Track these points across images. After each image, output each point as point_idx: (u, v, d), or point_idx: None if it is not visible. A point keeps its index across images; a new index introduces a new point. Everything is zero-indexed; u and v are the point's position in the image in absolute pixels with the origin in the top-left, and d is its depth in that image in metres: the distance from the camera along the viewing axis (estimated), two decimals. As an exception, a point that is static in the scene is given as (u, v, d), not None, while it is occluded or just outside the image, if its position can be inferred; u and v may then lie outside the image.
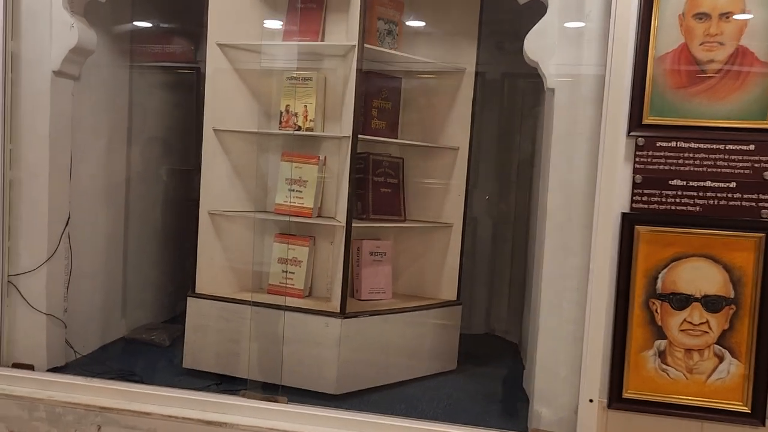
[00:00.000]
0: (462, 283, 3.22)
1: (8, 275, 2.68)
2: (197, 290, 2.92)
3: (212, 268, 2.94)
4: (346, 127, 2.77)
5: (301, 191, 2.84)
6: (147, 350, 3.22)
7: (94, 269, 3.13)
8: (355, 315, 2.79)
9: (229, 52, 2.88)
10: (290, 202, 2.84)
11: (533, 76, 3.61)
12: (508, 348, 3.69)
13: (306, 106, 2.81)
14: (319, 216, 2.91)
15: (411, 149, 3.16)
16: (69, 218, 2.84)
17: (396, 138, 3.07)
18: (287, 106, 2.85)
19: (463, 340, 3.28)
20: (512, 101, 3.88)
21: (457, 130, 3.15)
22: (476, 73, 3.10)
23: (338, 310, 2.75)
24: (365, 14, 2.66)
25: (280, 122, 2.90)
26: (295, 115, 2.82)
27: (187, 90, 3.80)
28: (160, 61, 3.61)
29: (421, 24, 3.11)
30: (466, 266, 3.30)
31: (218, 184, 2.94)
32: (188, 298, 2.89)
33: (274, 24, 2.97)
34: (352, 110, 2.68)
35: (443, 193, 3.19)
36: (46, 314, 2.75)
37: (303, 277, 2.91)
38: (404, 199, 3.11)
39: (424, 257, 3.21)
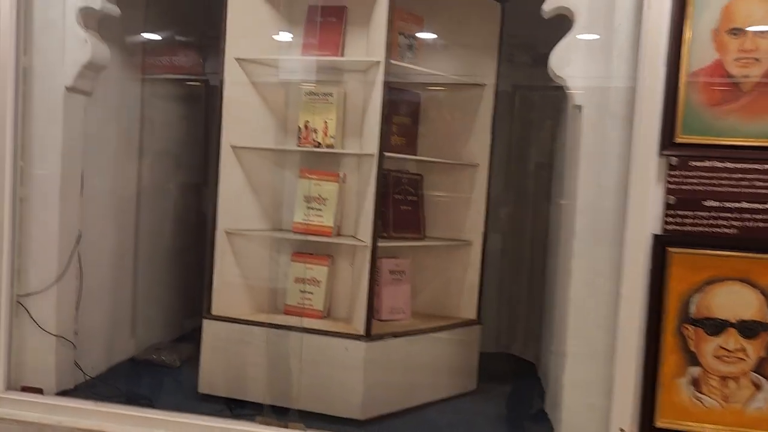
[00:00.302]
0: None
1: (17, 295, 2.61)
2: (213, 312, 2.82)
3: (228, 289, 2.86)
4: (368, 144, 2.71)
5: (320, 209, 2.77)
6: (157, 371, 3.14)
7: (103, 287, 3.06)
8: (380, 337, 2.70)
9: (247, 67, 2.81)
10: (309, 220, 2.77)
11: (545, 89, 3.62)
12: (526, 367, 3.60)
13: (326, 122, 2.74)
14: (338, 235, 2.83)
15: (429, 165, 3.09)
16: (80, 236, 2.77)
17: (415, 154, 3.00)
18: (306, 122, 2.78)
19: (480, 359, 3.21)
20: (524, 114, 3.80)
21: (477, 146, 3.08)
22: (496, 88, 3.03)
23: (363, 332, 2.66)
24: (391, 29, 2.60)
25: (299, 138, 2.83)
26: (315, 131, 2.75)
27: (198, 103, 3.75)
28: (171, 74, 3.56)
29: (440, 38, 3.04)
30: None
31: (235, 202, 2.87)
32: (204, 320, 2.80)
33: (286, 36, 2.92)
34: (378, 127, 2.61)
35: (462, 209, 3.11)
36: (55, 336, 2.67)
37: (322, 298, 2.82)
38: (423, 217, 3.03)
39: (443, 275, 3.13)
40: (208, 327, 2.80)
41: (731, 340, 2.09)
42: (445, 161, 3.03)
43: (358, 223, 2.80)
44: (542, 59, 3.10)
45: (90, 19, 2.63)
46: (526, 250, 3.79)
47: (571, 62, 2.25)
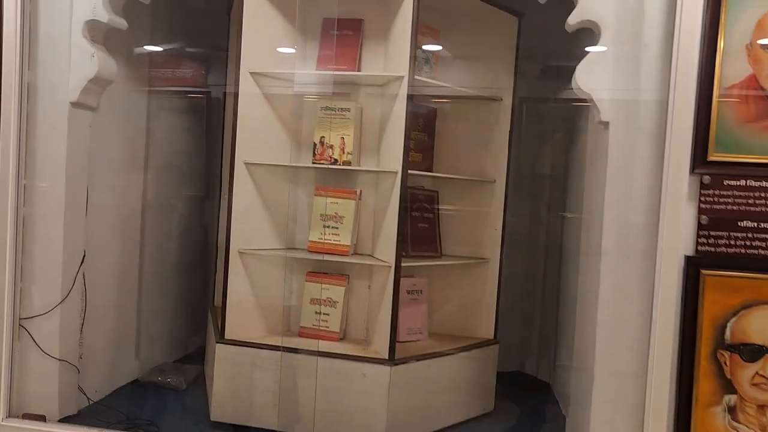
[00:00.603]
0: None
1: (19, 318, 2.51)
2: (227, 336, 2.71)
3: (241, 311, 2.75)
4: (387, 160, 2.63)
5: (337, 228, 2.68)
6: (163, 394, 3.03)
7: (106, 306, 2.96)
8: (404, 361, 2.61)
9: (261, 81, 2.72)
10: (325, 239, 2.68)
11: (551, 101, 3.55)
12: (541, 387, 3.50)
13: (343, 138, 2.65)
14: (354, 254, 2.74)
15: (444, 181, 3.01)
16: (84, 256, 2.67)
17: (431, 170, 2.92)
18: (322, 137, 2.69)
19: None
20: (531, 127, 3.72)
21: (493, 161, 3.00)
22: (513, 103, 2.96)
23: (386, 356, 2.57)
24: (415, 42, 2.51)
25: (314, 154, 2.74)
26: (331, 147, 2.67)
27: (201, 116, 3.67)
28: (175, 86, 3.49)
29: (457, 51, 2.96)
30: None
31: (248, 221, 2.76)
32: (217, 345, 2.69)
33: (290, 50, 2.84)
34: (402, 143, 2.53)
35: (479, 226, 3.03)
36: (59, 360, 2.57)
37: (338, 319, 2.72)
38: (440, 234, 2.94)
39: (459, 293, 3.05)
40: (221, 352, 2.69)
41: (769, 366, 2.01)
42: (461, 177, 2.95)
43: (375, 242, 2.72)
44: (549, 71, 3.06)
45: (96, 32, 2.54)
46: (538, 267, 3.70)
47: (597, 77, 2.17)
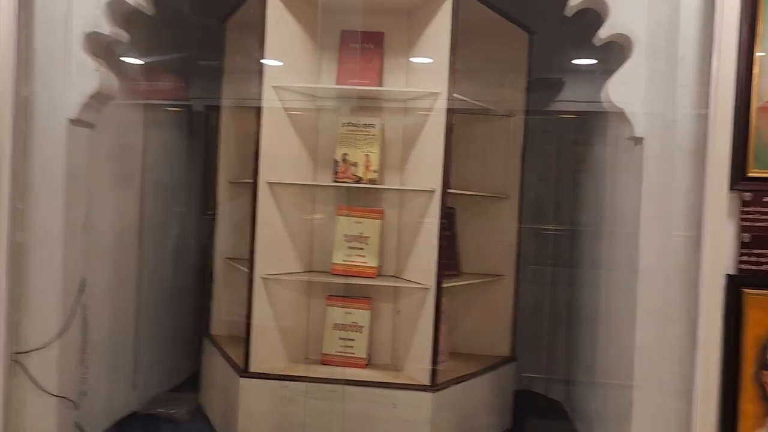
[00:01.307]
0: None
1: (14, 354, 2.32)
2: (251, 368, 2.53)
3: (264, 341, 2.59)
4: (416, 178, 2.58)
5: (362, 249, 2.56)
6: (165, 427, 2.86)
7: (103, 336, 2.79)
8: (444, 386, 2.52)
9: (283, 95, 2.59)
10: (351, 260, 2.56)
11: (538, 113, 3.52)
12: (552, 407, 3.43)
13: (368, 155, 2.55)
14: (379, 275, 2.64)
15: (458, 198, 2.92)
16: (84, 284, 2.50)
17: (449, 187, 2.83)
18: (344, 154, 2.57)
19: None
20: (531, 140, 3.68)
21: (506, 178, 2.93)
22: (526, 118, 2.90)
23: (426, 382, 2.47)
24: (454, 57, 2.44)
25: (336, 172, 2.61)
26: (355, 164, 2.55)
27: (195, 130, 3.53)
28: (171, 100, 3.35)
29: (467, 66, 2.89)
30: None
31: (272, 244, 2.62)
32: (241, 379, 2.53)
33: (273, 62, 2.75)
34: (441, 160, 2.46)
35: (493, 242, 2.97)
36: (57, 396, 2.38)
37: (364, 345, 2.60)
38: (459, 252, 2.85)
39: (476, 311, 2.97)
40: (247, 387, 2.52)
41: (813, 387, 1.96)
42: (477, 194, 2.87)
43: (403, 263, 2.63)
44: (538, 84, 3.02)
45: (97, 45, 2.39)
46: (546, 284, 3.64)
47: (630, 92, 2.12)
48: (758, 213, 1.98)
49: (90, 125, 2.47)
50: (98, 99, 2.40)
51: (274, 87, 2.53)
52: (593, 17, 2.24)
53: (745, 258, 1.99)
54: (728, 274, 1.98)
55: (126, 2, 2.36)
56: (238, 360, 2.64)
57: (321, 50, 2.68)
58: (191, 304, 3.52)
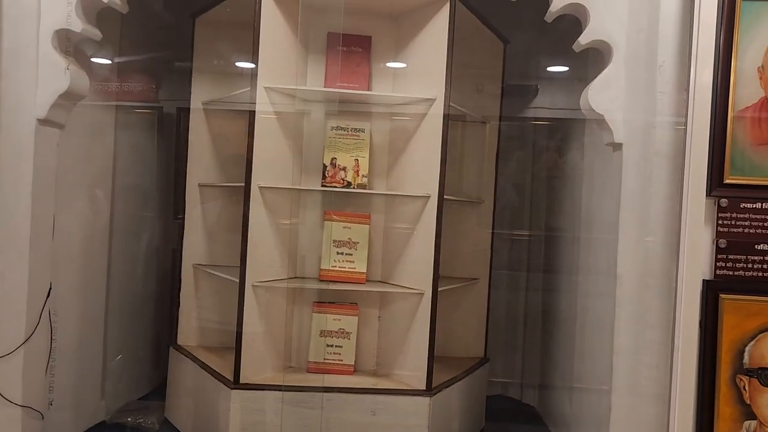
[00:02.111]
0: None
1: (-24, 362, 2.23)
2: (242, 380, 2.45)
3: (252, 352, 2.51)
4: (405, 184, 2.59)
5: (351, 254, 2.54)
6: (135, 438, 2.78)
7: (71, 344, 2.70)
8: (438, 390, 2.52)
9: (274, 97, 2.54)
10: (340, 266, 2.54)
11: (514, 120, 3.55)
12: (526, 412, 3.43)
13: (357, 159, 2.53)
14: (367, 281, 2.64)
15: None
16: (50, 289, 2.41)
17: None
18: (333, 159, 2.54)
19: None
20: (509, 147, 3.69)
21: (481, 183, 2.94)
22: (500, 124, 2.90)
23: (423, 387, 2.48)
24: (451, 63, 2.47)
25: (324, 177, 2.58)
26: (344, 169, 2.52)
27: (155, 130, 3.45)
28: (142, 101, 3.26)
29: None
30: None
31: (263, 250, 2.56)
32: (232, 391, 2.43)
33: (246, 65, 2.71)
34: (438, 166, 2.46)
35: (468, 246, 2.98)
36: (22, 407, 2.29)
37: (352, 351, 2.58)
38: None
39: (451, 314, 2.96)
40: (238, 399, 2.42)
41: (788, 390, 1.99)
42: (455, 198, 2.86)
43: (392, 268, 2.63)
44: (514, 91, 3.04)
45: (68, 42, 2.31)
46: (521, 288, 3.65)
47: (609, 99, 2.13)
48: (734, 219, 2.01)
49: (60, 125, 2.39)
50: (68, 99, 2.32)
51: (265, 88, 2.47)
52: (572, 24, 2.26)
53: (721, 263, 2.01)
54: (705, 280, 2.01)
55: (99, 0, 2.29)
56: (222, 371, 2.57)
57: (306, 52, 2.64)
58: (161, 310, 3.43)
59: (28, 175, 2.26)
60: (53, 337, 2.45)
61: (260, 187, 2.48)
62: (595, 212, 2.54)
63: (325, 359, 2.59)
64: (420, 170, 2.54)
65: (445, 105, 2.46)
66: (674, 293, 2.01)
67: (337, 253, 2.55)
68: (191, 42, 3.01)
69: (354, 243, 2.55)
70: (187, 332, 3.02)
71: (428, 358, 2.48)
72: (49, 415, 2.50)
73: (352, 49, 2.53)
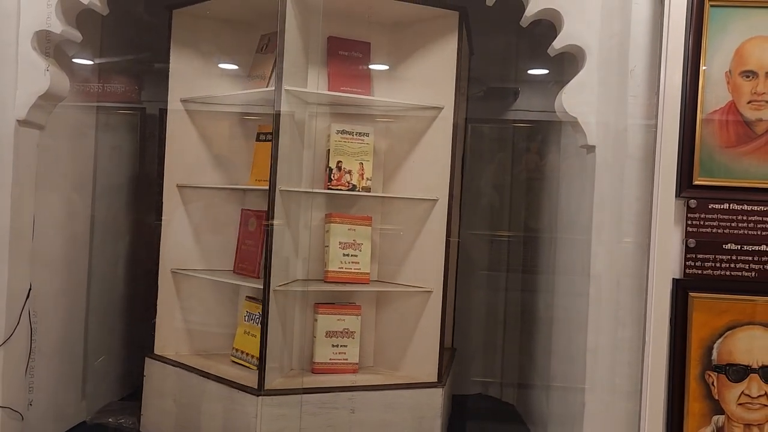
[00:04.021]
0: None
1: (-45, 362, 2.23)
2: (266, 387, 2.44)
3: (272, 356, 2.52)
4: (406, 187, 2.71)
5: (356, 255, 2.64)
6: (116, 438, 2.79)
7: (52, 343, 2.69)
8: (445, 381, 2.68)
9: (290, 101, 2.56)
10: (346, 267, 2.63)
11: (495, 122, 3.59)
12: (506, 410, 3.48)
13: (362, 163, 2.62)
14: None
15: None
16: (30, 290, 2.41)
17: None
18: (339, 162, 2.61)
19: (456, 402, 3.17)
20: (478, 147, 3.73)
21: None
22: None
23: (436, 379, 2.65)
24: (459, 70, 2.63)
25: (330, 180, 2.64)
26: (349, 172, 2.60)
27: (146, 133, 3.45)
28: (122, 102, 3.27)
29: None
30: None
31: (280, 254, 2.57)
32: (258, 398, 2.40)
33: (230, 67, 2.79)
34: (449, 170, 2.63)
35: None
36: (1, 407, 2.30)
37: (356, 350, 2.69)
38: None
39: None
40: (263, 406, 2.40)
41: (754, 386, 2.05)
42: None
43: (397, 268, 2.76)
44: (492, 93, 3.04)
45: (48, 44, 2.32)
46: (501, 289, 3.69)
47: (583, 102, 2.18)
48: (703, 219, 2.06)
49: (39, 126, 2.40)
50: (48, 99, 2.33)
51: (286, 90, 2.46)
52: (549, 28, 2.31)
53: (690, 263, 2.06)
54: (675, 279, 2.06)
55: (79, 1, 2.30)
56: (241, 380, 2.54)
57: (306, 55, 2.67)
58: (142, 311, 3.43)
59: (8, 175, 2.27)
60: (33, 338, 2.46)
61: (281, 191, 2.50)
62: (572, 213, 2.59)
63: (330, 359, 2.66)
64: (427, 174, 2.67)
65: (455, 112, 2.63)
66: (645, 292, 2.06)
67: (344, 255, 2.63)
68: (168, 36, 2.91)
69: (359, 244, 2.64)
70: (167, 341, 2.91)
71: (439, 351, 2.62)
72: (29, 415, 2.50)
73: (352, 54, 2.61)
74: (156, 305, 2.90)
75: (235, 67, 2.90)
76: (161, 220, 2.97)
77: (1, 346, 2.28)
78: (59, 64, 2.40)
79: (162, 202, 2.92)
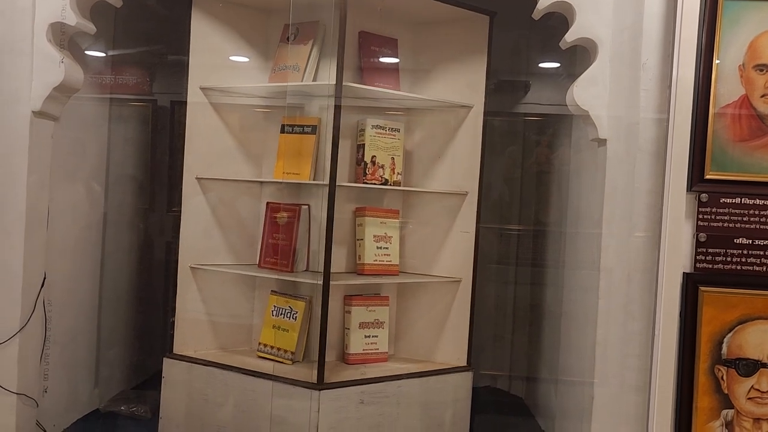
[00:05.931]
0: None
1: (-29, 350, 2.27)
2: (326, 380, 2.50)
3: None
4: (435, 182, 2.83)
5: (387, 248, 2.73)
6: (128, 425, 2.82)
7: (65, 332, 2.73)
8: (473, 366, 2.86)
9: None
10: (379, 260, 2.72)
11: (506, 115, 3.58)
12: (514, 403, 3.49)
13: (393, 158, 2.70)
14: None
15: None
16: (45, 279, 2.45)
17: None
18: (373, 156, 2.66)
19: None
20: (489, 140, 3.70)
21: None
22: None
23: (466, 363, 2.84)
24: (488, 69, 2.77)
25: (365, 174, 2.69)
26: (382, 167, 2.66)
27: (160, 125, 3.48)
28: (136, 94, 3.29)
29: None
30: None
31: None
32: (320, 392, 2.42)
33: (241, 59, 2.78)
34: (479, 164, 2.77)
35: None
36: (17, 394, 2.33)
37: (386, 339, 2.80)
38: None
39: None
40: (324, 399, 2.44)
41: (764, 380, 2.05)
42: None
43: (428, 260, 2.88)
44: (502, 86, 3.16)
45: (63, 36, 2.34)
46: (511, 283, 3.69)
47: (594, 95, 2.18)
48: (714, 213, 2.06)
49: (54, 118, 2.43)
50: (63, 91, 2.36)
51: (347, 85, 2.48)
52: (562, 21, 2.30)
53: (701, 257, 2.06)
54: (685, 273, 2.06)
55: (93, -7, 2.32)
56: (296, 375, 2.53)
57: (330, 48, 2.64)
58: (155, 301, 3.47)
59: (23, 166, 2.30)
60: (48, 326, 2.49)
61: (338, 186, 2.52)
62: (582, 207, 2.59)
63: (363, 350, 2.74)
64: (458, 169, 2.79)
65: (485, 110, 2.76)
66: (655, 286, 2.06)
67: (377, 248, 2.71)
68: (188, 25, 2.79)
69: (389, 237, 2.72)
70: (187, 338, 2.77)
71: (469, 337, 2.80)
72: (44, 402, 2.54)
73: (382, 49, 2.65)
74: (175, 302, 2.77)
75: (253, 57, 2.85)
76: (174, 210, 2.95)
77: (17, 335, 2.32)
78: (73, 56, 2.42)
79: (179, 194, 2.79)
